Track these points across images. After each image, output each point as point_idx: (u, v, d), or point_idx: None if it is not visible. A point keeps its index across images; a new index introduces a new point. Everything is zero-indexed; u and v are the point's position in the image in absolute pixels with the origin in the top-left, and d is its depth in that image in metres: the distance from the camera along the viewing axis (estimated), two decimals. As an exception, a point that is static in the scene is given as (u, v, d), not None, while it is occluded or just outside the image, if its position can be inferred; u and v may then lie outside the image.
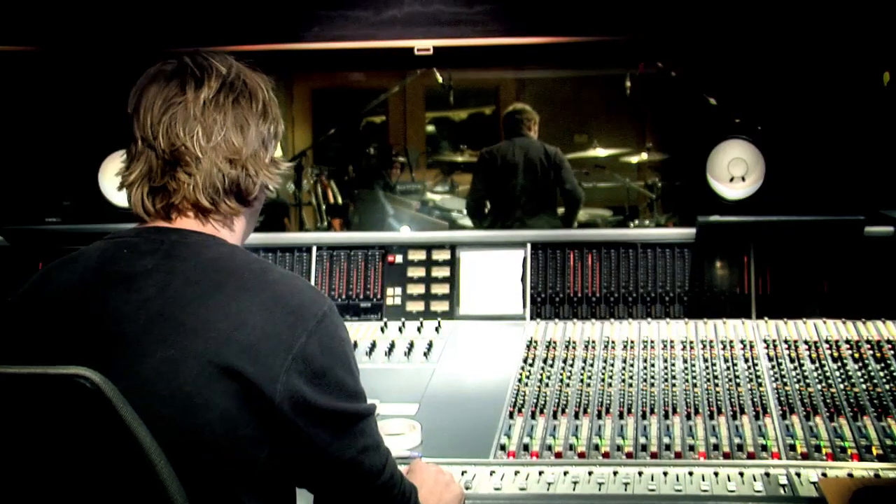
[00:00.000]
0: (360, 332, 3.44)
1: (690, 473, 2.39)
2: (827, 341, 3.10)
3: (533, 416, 2.71)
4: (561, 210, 7.35)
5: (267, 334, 1.68)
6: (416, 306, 3.57)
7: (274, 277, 1.78)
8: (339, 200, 8.91)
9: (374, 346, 3.30)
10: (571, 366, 3.03)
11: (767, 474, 2.37)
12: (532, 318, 3.49)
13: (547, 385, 2.91)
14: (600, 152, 8.53)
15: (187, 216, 1.84)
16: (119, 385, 1.55)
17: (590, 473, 2.40)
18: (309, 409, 1.70)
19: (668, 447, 2.51)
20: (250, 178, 1.86)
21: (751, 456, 2.46)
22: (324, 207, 8.66)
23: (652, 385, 2.86)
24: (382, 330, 3.45)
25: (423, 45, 3.77)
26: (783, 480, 2.34)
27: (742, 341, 3.13)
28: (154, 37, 3.75)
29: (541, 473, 2.43)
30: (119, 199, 3.42)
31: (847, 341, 3.10)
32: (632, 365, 3.01)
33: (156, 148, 1.80)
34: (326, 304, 1.78)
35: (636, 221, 8.35)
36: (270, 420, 1.67)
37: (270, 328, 1.69)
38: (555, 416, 2.70)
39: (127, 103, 1.86)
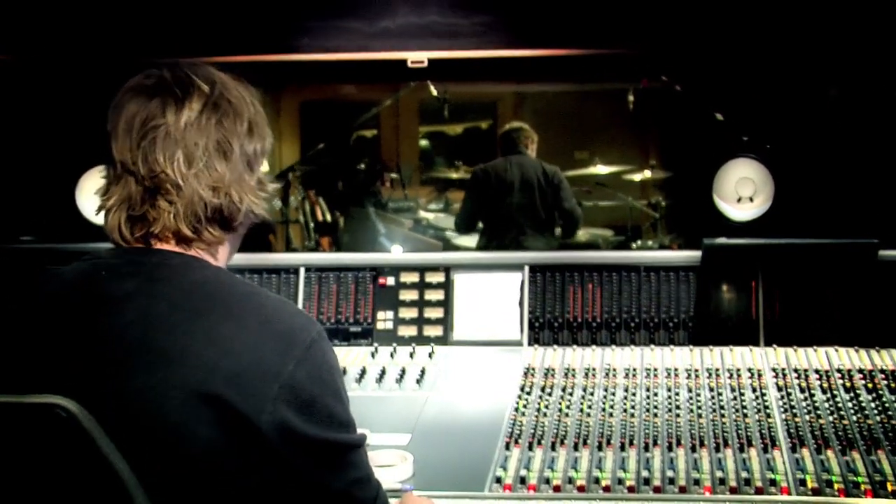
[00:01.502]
0: (349, 357, 3.44)
1: (695, 509, 2.39)
2: (839, 370, 3.11)
3: (530, 448, 2.71)
4: (559, 231, 7.37)
5: (254, 361, 1.68)
6: (408, 331, 3.57)
7: (261, 302, 1.78)
8: (329, 218, 8.89)
9: (363, 372, 3.30)
10: (571, 394, 3.04)
11: (776, 510, 2.38)
12: (530, 344, 3.50)
13: (545, 415, 2.91)
14: (602, 170, 8.53)
15: (168, 243, 1.84)
16: (99, 414, 1.55)
17: (590, 508, 2.40)
18: (297, 439, 1.70)
19: (671, 481, 2.51)
20: (234, 204, 1.85)
21: (759, 491, 2.46)
22: (312, 225, 8.65)
23: (655, 415, 2.86)
24: (373, 355, 3.45)
25: (418, 58, 3.79)
26: (792, 517, 2.34)
27: (750, 370, 3.13)
28: (138, 47, 3.76)
29: (538, 508, 2.42)
30: (98, 217, 3.42)
31: (860, 370, 3.10)
32: (634, 394, 3.01)
33: (135, 174, 1.80)
34: (315, 329, 1.78)
35: (639, 242, 8.35)
36: (257, 450, 1.67)
37: (257, 355, 1.69)
38: (553, 448, 2.70)
39: (107, 117, 1.86)
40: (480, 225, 7.44)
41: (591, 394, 3.03)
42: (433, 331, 3.56)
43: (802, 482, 2.48)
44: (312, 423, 1.72)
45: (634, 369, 3.19)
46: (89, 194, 3.50)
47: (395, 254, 4.57)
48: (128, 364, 1.67)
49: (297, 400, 1.70)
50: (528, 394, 3.05)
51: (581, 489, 2.49)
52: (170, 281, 1.76)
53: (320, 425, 1.73)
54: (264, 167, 1.98)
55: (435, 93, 7.46)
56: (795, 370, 3.12)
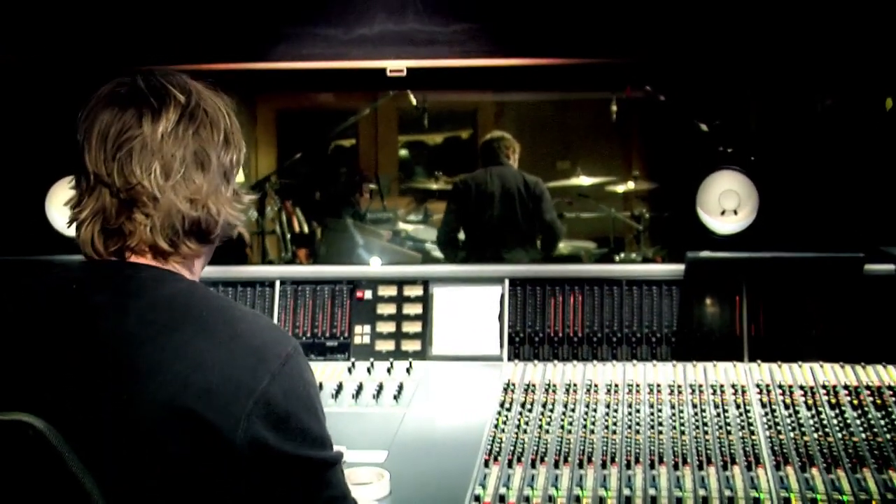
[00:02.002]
0: (325, 372, 3.43)
1: (678, 528, 2.40)
2: (824, 387, 3.12)
3: (510, 465, 2.71)
4: (540, 243, 7.38)
5: (227, 377, 1.68)
6: (385, 345, 3.57)
7: (235, 315, 1.78)
8: (306, 229, 8.88)
9: (340, 387, 3.29)
10: (551, 411, 3.04)
11: (760, 529, 2.38)
12: (510, 359, 3.50)
13: (525, 431, 2.91)
14: (584, 180, 8.56)
15: (144, 257, 1.84)
16: (71, 429, 1.55)
17: (570, 527, 2.40)
18: (271, 455, 1.69)
19: (654, 499, 2.51)
20: (212, 216, 1.85)
21: (742, 509, 2.47)
22: (288, 236, 8.64)
23: (637, 432, 2.87)
24: (350, 371, 3.45)
25: (396, 66, 3.79)
26: (776, 536, 2.35)
27: (733, 386, 3.14)
28: (106, 55, 3.74)
29: (518, 527, 2.42)
30: (70, 229, 3.40)
31: (846, 387, 3.11)
32: (616, 410, 3.02)
33: (110, 185, 1.79)
34: (291, 344, 1.78)
35: (622, 255, 8.38)
36: (231, 467, 1.66)
37: (231, 370, 1.69)
38: (533, 465, 2.70)
39: (77, 126, 1.85)
40: (462, 237, 7.44)
41: (573, 410, 3.03)
42: (411, 345, 3.56)
43: (787, 500, 2.48)
44: (287, 439, 1.72)
45: (616, 385, 3.19)
46: (59, 205, 3.49)
47: (373, 266, 4.56)
48: (99, 379, 1.67)
49: (272, 416, 1.70)
50: (508, 410, 3.05)
51: (561, 508, 2.49)
52: (142, 295, 1.76)
53: (295, 442, 1.73)
54: (239, 178, 1.98)
55: (414, 102, 7.47)
56: (780, 386, 3.13)
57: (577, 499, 2.52)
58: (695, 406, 3.02)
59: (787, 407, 3.00)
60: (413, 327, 3.58)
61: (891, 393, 3.05)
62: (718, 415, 2.95)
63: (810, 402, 3.02)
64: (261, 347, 1.74)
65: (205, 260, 1.97)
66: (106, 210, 1.80)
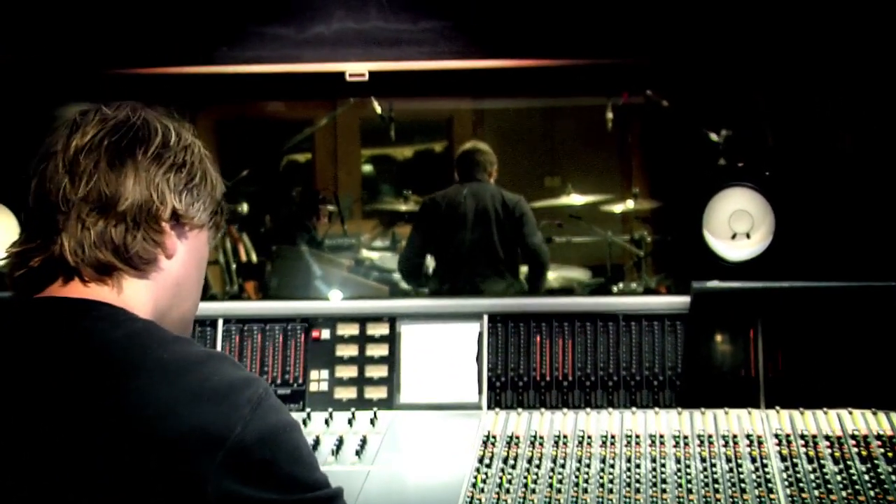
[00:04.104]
0: (276, 425, 3.42)
1: None
2: (853, 436, 3.12)
3: (490, 531, 2.71)
4: (525, 271, 7.39)
5: (193, 426, 1.70)
6: (346, 393, 3.56)
7: (198, 357, 1.81)
8: (254, 258, 8.88)
9: (293, 442, 3.28)
10: (538, 467, 3.04)
11: None
12: (490, 407, 3.50)
13: (508, 491, 2.91)
14: (576, 199, 8.58)
15: (71, 284, 1.87)
16: (23, 494, 1.57)
17: None
18: None
19: (657, 569, 2.52)
20: (130, 233, 1.88)
21: (759, 580, 2.47)
22: (234, 267, 8.63)
23: (637, 491, 2.87)
24: (305, 422, 3.44)
25: (357, 69, 3.80)
26: None
27: (748, 436, 3.15)
28: (33, 56, 3.75)
29: None
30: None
31: (878, 436, 3.12)
32: (612, 466, 3.02)
33: (30, 208, 1.88)
34: (262, 386, 1.81)
35: (620, 285, 8.39)
36: None
37: (197, 419, 1.70)
38: (517, 531, 2.70)
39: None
40: (430, 267, 7.44)
41: (563, 466, 3.03)
42: (376, 392, 3.56)
43: (810, 569, 2.49)
44: (269, 489, 1.75)
45: (613, 436, 3.20)
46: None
47: (333, 301, 4.56)
48: (51, 434, 1.69)
49: (247, 467, 1.72)
50: (488, 466, 3.05)
51: (550, 580, 2.50)
52: (94, 336, 1.79)
53: (280, 491, 1.76)
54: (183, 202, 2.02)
55: (379, 110, 7.49)
56: (802, 436, 3.14)
57: (569, 569, 2.53)
58: (703, 460, 3.02)
59: (810, 461, 3.01)
60: (378, 371, 3.58)
61: (929, 443, 3.06)
62: (731, 470, 2.96)
63: (837, 454, 3.03)
64: (228, 391, 1.76)
65: (165, 294, 1.99)
66: (28, 234, 1.89)
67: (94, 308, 1.84)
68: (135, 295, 1.92)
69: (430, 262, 7.49)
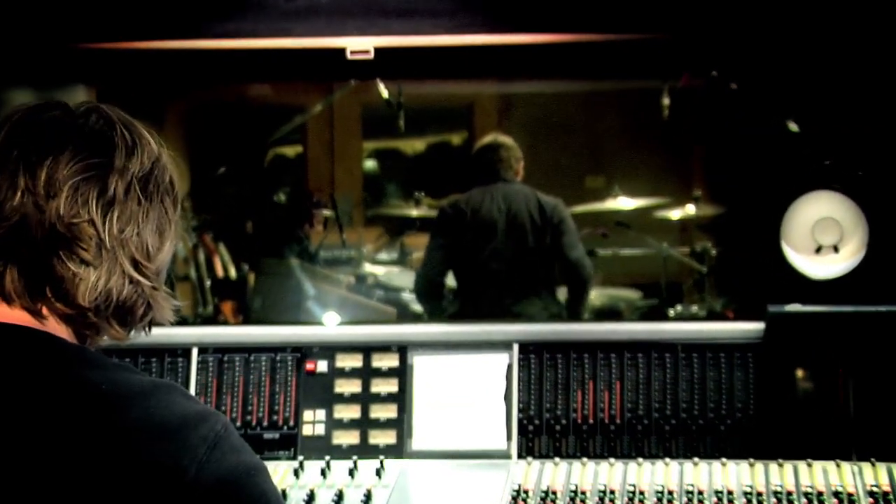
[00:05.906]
0: (262, 476, 3.43)
1: None
2: (962, 493, 3.13)
3: None
4: (563, 291, 7.38)
5: (134, 470, 1.70)
6: (347, 438, 3.57)
7: (144, 389, 1.82)
8: (233, 273, 8.88)
9: (284, 497, 3.29)
10: (580, 529, 3.05)
11: None
12: (521, 455, 3.50)
13: (543, 559, 2.92)
14: (624, 203, 8.58)
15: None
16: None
17: None
18: None
19: None
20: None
21: None
22: (208, 284, 8.64)
23: (700, 559, 2.88)
24: (297, 473, 3.45)
25: (360, 45, 3.81)
26: None
27: (837, 494, 3.15)
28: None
29: None
30: None
31: None
32: (670, 528, 3.03)
33: None
34: (220, 421, 1.81)
35: (679, 308, 8.38)
36: None
37: (145, 459, 1.71)
38: None
39: None
40: (452, 284, 7.44)
41: (609, 528, 3.04)
42: (382, 438, 3.56)
43: None
44: None
45: (671, 492, 3.20)
46: None
47: (329, 326, 4.57)
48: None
49: None
50: (519, 528, 3.07)
51: None
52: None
53: None
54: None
55: (385, 94, 7.50)
56: (900, 493, 3.15)
57: None
58: (781, 522, 3.03)
59: (910, 522, 3.01)
60: (385, 412, 3.58)
61: None
62: (814, 534, 2.96)
63: (944, 515, 3.03)
64: (180, 428, 1.76)
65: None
66: None
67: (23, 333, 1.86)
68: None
69: (451, 279, 7.47)
